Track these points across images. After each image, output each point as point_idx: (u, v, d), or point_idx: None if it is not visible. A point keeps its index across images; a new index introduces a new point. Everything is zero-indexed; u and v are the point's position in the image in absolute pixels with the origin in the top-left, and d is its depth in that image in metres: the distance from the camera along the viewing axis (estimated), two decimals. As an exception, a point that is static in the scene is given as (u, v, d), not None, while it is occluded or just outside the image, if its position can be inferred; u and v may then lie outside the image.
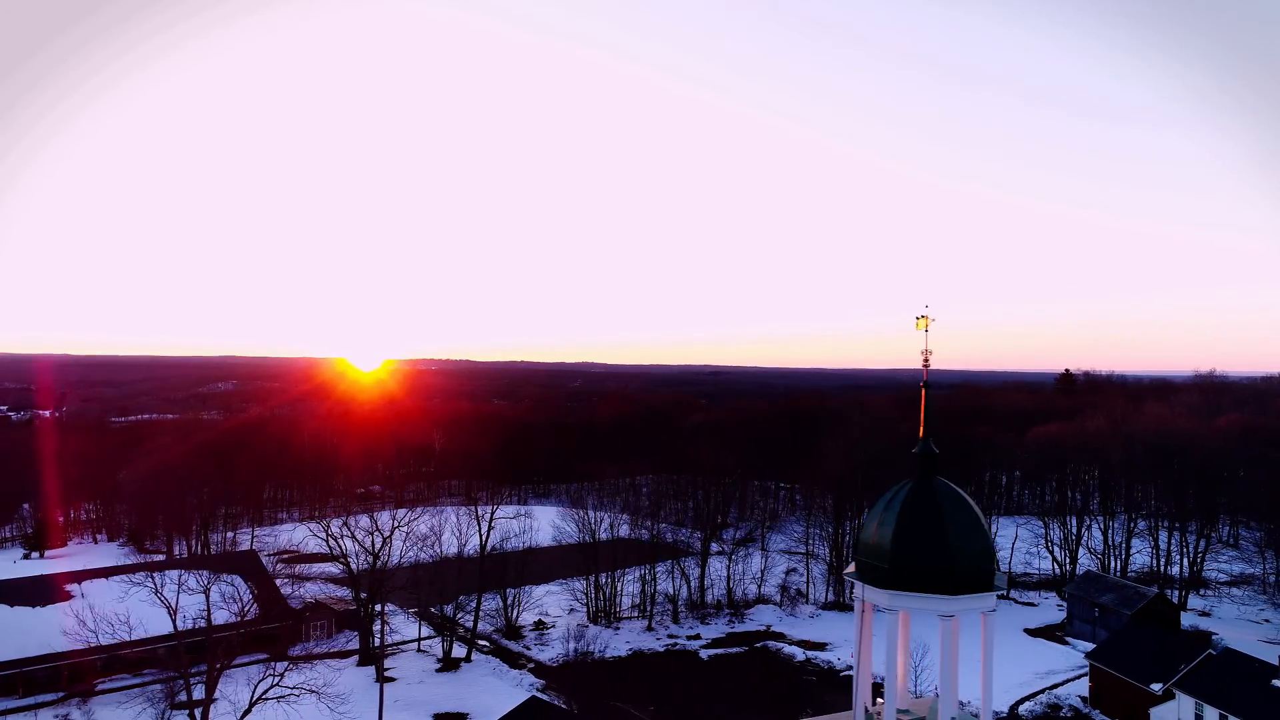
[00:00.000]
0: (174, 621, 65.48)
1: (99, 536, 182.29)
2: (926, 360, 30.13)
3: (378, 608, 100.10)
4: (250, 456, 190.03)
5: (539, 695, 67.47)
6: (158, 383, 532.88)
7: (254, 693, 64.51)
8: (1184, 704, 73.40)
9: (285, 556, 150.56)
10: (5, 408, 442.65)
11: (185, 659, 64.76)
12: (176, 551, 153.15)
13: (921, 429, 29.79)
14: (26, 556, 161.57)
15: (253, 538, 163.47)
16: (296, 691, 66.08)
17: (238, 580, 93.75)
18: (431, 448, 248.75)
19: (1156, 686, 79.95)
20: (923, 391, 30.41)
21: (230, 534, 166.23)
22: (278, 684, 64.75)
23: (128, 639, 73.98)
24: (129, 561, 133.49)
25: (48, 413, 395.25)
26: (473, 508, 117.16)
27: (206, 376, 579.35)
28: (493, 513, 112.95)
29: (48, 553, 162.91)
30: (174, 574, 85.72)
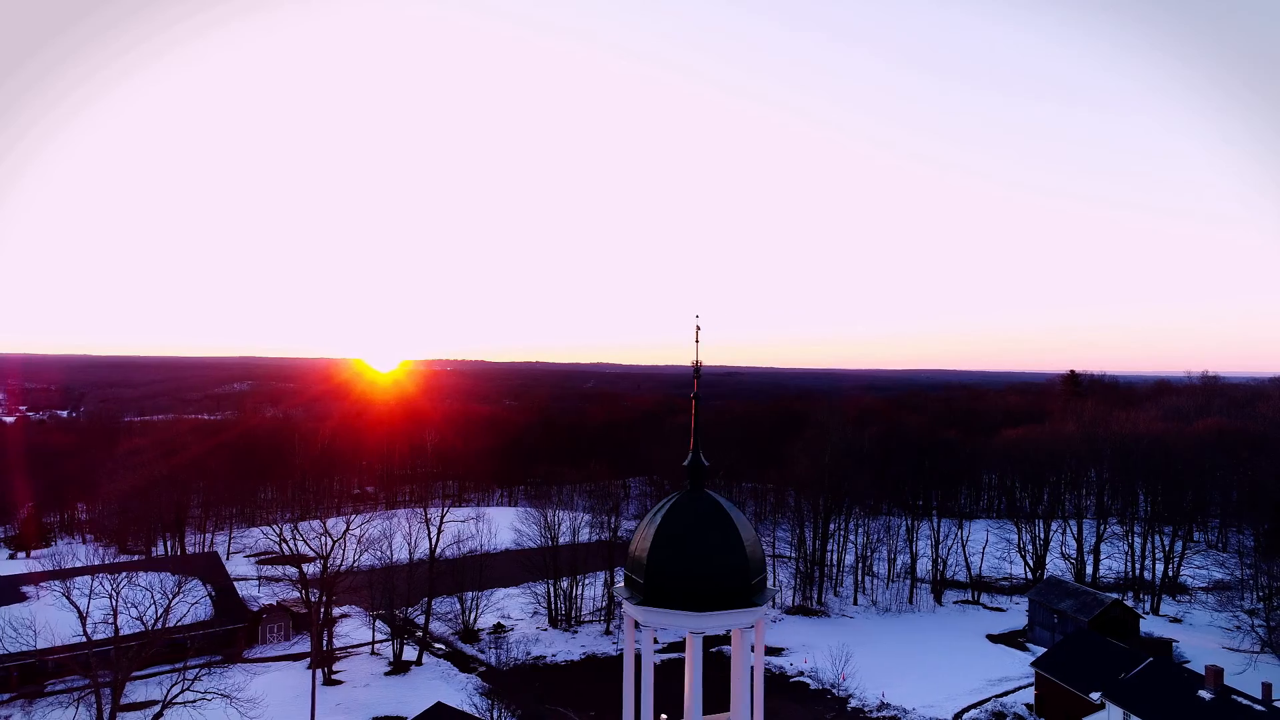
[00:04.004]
0: (84, 626, 65.77)
1: (87, 537, 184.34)
2: (697, 370, 29.43)
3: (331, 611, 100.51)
4: (241, 457, 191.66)
5: (444, 703, 67.25)
6: (175, 383, 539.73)
7: (164, 697, 64.75)
8: (1113, 714, 71.92)
9: (261, 558, 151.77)
10: (24, 407, 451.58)
11: (95, 665, 65.05)
12: (155, 552, 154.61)
13: (692, 439, 29.07)
14: (13, 556, 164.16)
15: (230, 539, 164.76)
16: (208, 696, 66.23)
17: (174, 580, 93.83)
18: (425, 449, 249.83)
19: (1095, 695, 78.44)
20: (693, 403, 29.55)
21: (209, 535, 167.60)
22: (188, 689, 64.91)
23: (34, 646, 74.32)
24: (106, 561, 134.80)
25: (64, 413, 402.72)
26: (422, 511, 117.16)
27: (224, 377, 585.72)
28: (442, 516, 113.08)
29: (34, 553, 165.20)
30: (120, 576, 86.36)
